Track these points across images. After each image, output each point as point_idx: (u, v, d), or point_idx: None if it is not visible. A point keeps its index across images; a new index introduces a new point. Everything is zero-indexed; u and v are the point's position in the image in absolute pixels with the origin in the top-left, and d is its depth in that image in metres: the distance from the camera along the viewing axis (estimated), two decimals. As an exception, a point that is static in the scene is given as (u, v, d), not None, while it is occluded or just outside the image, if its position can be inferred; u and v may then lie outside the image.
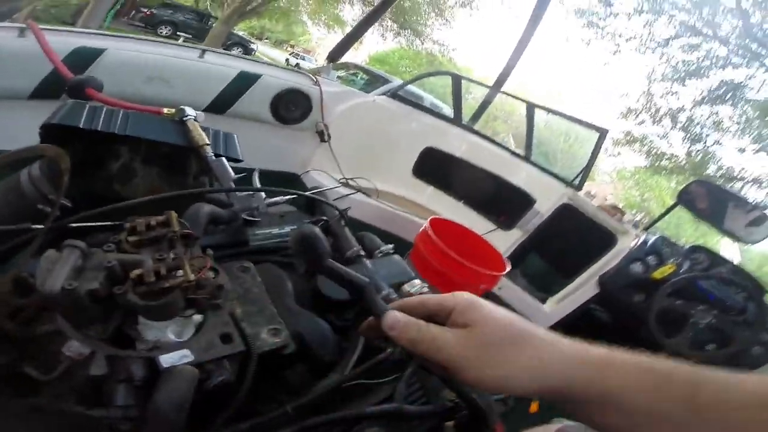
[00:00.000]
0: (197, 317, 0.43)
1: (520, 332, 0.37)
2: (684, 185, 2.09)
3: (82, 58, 1.43)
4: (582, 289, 2.02)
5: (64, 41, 1.40)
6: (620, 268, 1.93)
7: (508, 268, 1.65)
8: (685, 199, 2.03)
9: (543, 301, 2.11)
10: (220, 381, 0.43)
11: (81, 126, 0.59)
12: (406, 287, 0.70)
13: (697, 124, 10.43)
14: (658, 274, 1.88)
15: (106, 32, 1.68)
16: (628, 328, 1.94)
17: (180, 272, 0.37)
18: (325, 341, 0.60)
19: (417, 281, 0.72)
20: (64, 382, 0.42)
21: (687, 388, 0.33)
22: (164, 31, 11.85)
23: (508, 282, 2.09)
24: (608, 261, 2.02)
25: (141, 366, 0.38)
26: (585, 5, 10.84)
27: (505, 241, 2.24)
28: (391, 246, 0.75)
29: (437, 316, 0.40)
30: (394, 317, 0.40)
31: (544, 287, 2.24)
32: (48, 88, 1.37)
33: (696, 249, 1.98)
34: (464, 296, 0.40)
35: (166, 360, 0.39)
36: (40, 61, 1.19)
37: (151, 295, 0.35)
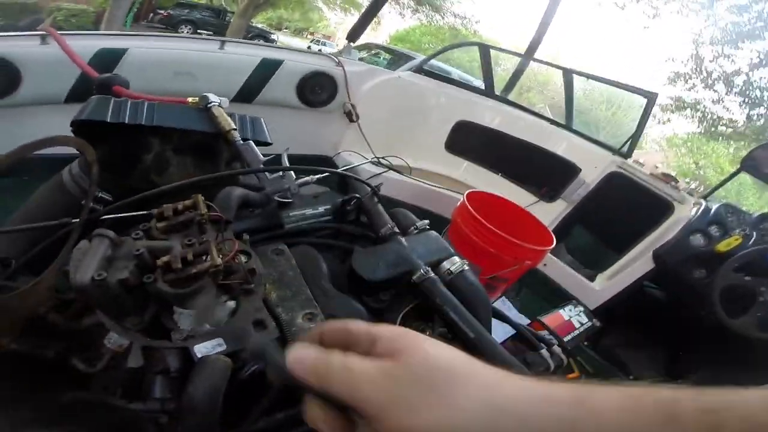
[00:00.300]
0: (231, 303, 0.42)
1: (462, 365, 0.28)
2: (747, 151, 1.90)
3: (107, 59, 1.47)
4: (635, 264, 1.88)
5: (86, 45, 1.45)
6: (678, 240, 1.78)
7: (554, 243, 1.57)
8: (749, 165, 1.84)
9: (592, 278, 2.01)
10: (254, 370, 0.42)
11: (108, 120, 0.60)
12: (446, 264, 0.66)
13: (757, 87, 9.48)
14: (722, 246, 1.70)
15: (125, 32, 1.72)
16: (687, 308, 1.78)
17: (207, 257, 0.36)
18: (361, 325, 0.58)
19: (457, 258, 0.68)
20: (109, 374, 0.43)
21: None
22: (185, 30, 12.13)
23: (553, 258, 2.00)
24: (664, 232, 1.87)
25: (176, 356, 0.38)
26: None
27: (548, 214, 2.13)
28: (426, 222, 0.72)
29: (359, 347, 0.30)
30: (300, 351, 0.29)
31: (592, 263, 2.12)
32: (81, 91, 1.42)
33: (766, 217, 1.79)
34: (395, 327, 0.30)
35: (200, 350, 0.38)
36: (69, 66, 1.24)
37: (180, 282, 0.34)
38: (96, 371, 0.42)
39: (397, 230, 0.67)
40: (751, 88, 9.57)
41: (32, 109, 1.42)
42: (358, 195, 0.70)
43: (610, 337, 1.91)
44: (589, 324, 1.45)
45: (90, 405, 0.40)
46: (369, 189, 0.72)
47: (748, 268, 1.62)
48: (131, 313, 0.36)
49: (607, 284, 1.94)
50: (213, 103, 0.73)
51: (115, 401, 0.39)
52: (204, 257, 0.36)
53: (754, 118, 9.87)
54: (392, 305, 0.63)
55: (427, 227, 0.71)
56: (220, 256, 0.37)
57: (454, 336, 0.59)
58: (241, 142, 0.66)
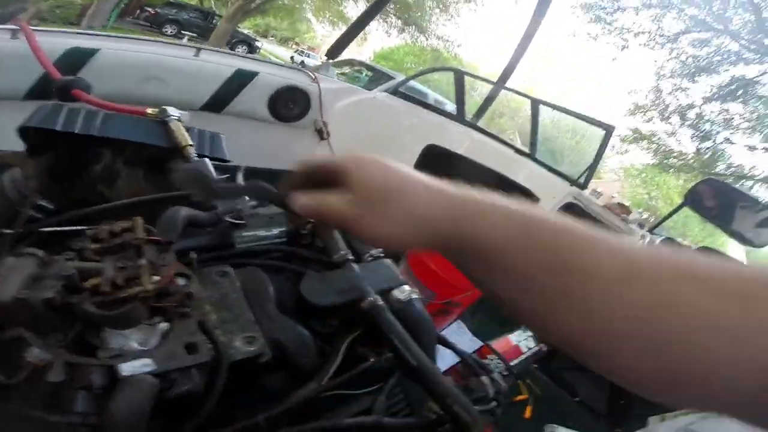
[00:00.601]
0: (164, 325, 0.42)
1: (401, 184, 0.37)
2: (692, 184, 2.03)
3: (75, 59, 1.42)
4: None
5: (57, 42, 1.40)
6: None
7: None
8: (692, 199, 1.97)
9: None
10: (183, 390, 0.42)
11: (58, 129, 0.58)
12: (396, 293, 0.68)
13: (707, 121, 10.26)
14: None
15: (101, 32, 1.68)
16: None
17: (139, 281, 0.36)
18: (304, 348, 0.58)
19: (406, 287, 0.69)
20: (30, 387, 0.41)
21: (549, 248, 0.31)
22: (169, 30, 11.89)
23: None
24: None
25: (101, 374, 0.37)
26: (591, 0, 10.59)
27: None
28: (380, 249, 0.73)
29: (334, 179, 0.40)
30: (294, 198, 0.41)
31: None
32: (41, 89, 1.36)
33: (704, 251, 1.93)
34: (351, 156, 0.40)
35: (126, 368, 0.37)
36: (34, 63, 1.19)
37: (108, 305, 0.34)
38: (15, 383, 0.40)
39: (351, 257, 0.68)
40: (702, 121, 10.32)
41: None
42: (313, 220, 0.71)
43: (559, 360, 1.98)
44: (537, 348, 1.50)
45: (8, 416, 0.39)
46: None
47: None
48: (55, 329, 0.35)
49: None
50: (172, 117, 0.73)
51: (34, 413, 0.38)
52: (135, 281, 0.36)
53: (702, 151, 10.61)
54: (340, 330, 0.64)
55: (382, 254, 0.72)
56: (153, 281, 0.36)
57: (398, 362, 0.60)
58: (197, 158, 0.66)
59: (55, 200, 0.62)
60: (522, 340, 1.50)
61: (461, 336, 1.75)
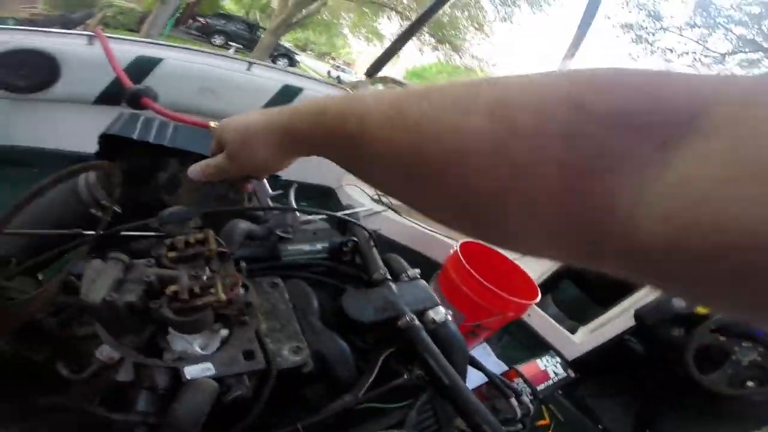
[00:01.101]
0: (224, 331, 0.44)
1: (245, 135, 0.45)
2: None
3: (142, 67, 1.52)
4: (617, 320, 1.90)
5: (127, 50, 1.51)
6: (661, 302, 1.80)
7: (538, 298, 1.59)
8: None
9: (573, 330, 2.02)
10: (237, 395, 0.44)
11: (135, 138, 0.63)
12: (431, 313, 0.69)
13: None
14: (702, 308, 1.74)
15: (164, 42, 1.78)
16: (662, 362, 1.81)
17: (213, 291, 0.38)
18: (344, 362, 0.59)
19: (441, 309, 0.70)
20: (91, 383, 0.44)
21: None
22: (218, 40, 12.47)
23: (537, 309, 2.02)
24: (648, 292, 1.91)
25: (165, 375, 0.39)
26: (633, 19, 10.20)
27: (539, 266, 2.16)
28: (417, 271, 0.74)
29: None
30: (191, 169, 0.50)
31: (577, 315, 2.14)
32: (110, 95, 1.46)
33: None
34: (221, 124, 0.49)
35: (190, 372, 0.40)
36: (105, 69, 1.28)
37: (184, 312, 0.36)
38: (79, 379, 0.43)
39: (389, 276, 0.69)
40: None
41: (61, 106, 1.46)
42: (355, 239, 0.73)
43: (584, 387, 1.91)
44: (564, 375, 1.46)
45: (68, 410, 0.41)
46: (367, 233, 0.75)
47: (723, 329, 1.67)
48: (130, 331, 0.38)
49: (587, 338, 1.95)
50: (232, 132, 0.76)
51: (94, 409, 0.40)
52: (210, 290, 0.38)
53: None
54: (376, 346, 0.65)
55: (418, 276, 0.74)
56: (224, 291, 0.39)
57: (431, 380, 0.61)
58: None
59: (122, 203, 0.66)
60: (550, 366, 1.47)
61: (486, 358, 1.73)
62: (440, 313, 0.69)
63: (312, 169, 2.06)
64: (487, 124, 0.22)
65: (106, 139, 0.66)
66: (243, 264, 0.60)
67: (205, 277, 0.39)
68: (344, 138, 0.33)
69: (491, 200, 0.22)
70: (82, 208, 0.57)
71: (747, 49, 9.20)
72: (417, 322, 0.65)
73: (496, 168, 0.21)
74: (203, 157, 0.70)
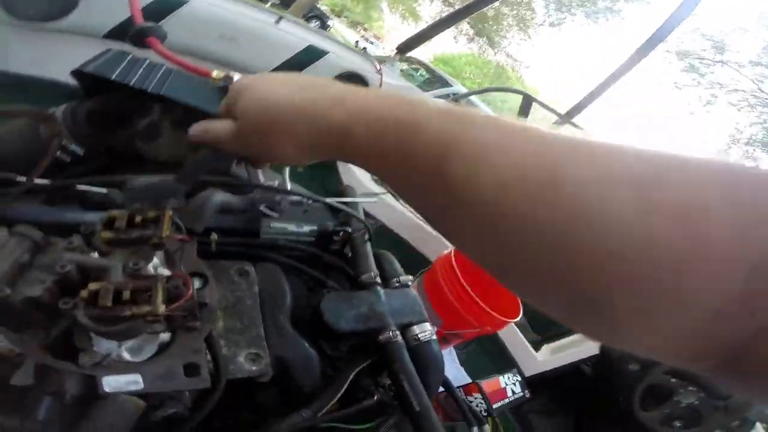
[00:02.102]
0: (165, 335, 0.35)
1: (275, 120, 0.35)
2: None
3: (165, 6, 1.40)
4: (581, 345, 1.87)
5: None
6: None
7: (520, 316, 1.54)
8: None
9: (535, 342, 1.97)
10: (169, 413, 0.35)
11: (112, 78, 0.52)
12: (416, 329, 0.61)
13: None
14: None
15: None
16: (609, 390, 1.81)
17: (149, 296, 0.28)
18: (309, 371, 0.52)
19: (427, 325, 0.62)
20: None
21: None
22: (258, -13, 11.99)
23: (512, 325, 1.97)
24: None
25: (77, 382, 0.30)
26: (693, 47, 9.55)
27: None
28: (410, 278, 0.65)
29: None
30: (194, 127, 0.42)
31: (544, 330, 2.09)
32: (121, 30, 1.34)
33: None
34: (240, 81, 0.40)
35: (109, 383, 0.30)
36: (125, 4, 1.16)
37: (105, 321, 0.27)
38: None
39: (379, 280, 0.60)
40: None
41: (69, 37, 1.34)
42: (350, 229, 0.63)
43: (529, 404, 1.91)
44: (521, 394, 1.45)
45: None
46: (363, 226, 0.65)
47: (677, 372, 1.70)
48: (35, 326, 0.29)
49: (549, 357, 1.93)
50: (234, 86, 0.65)
51: None
52: (145, 295, 0.28)
53: None
54: (349, 357, 0.57)
55: (409, 283, 0.64)
56: (165, 299, 0.29)
57: (401, 402, 0.55)
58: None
59: (87, 145, 0.56)
60: (510, 384, 1.46)
61: (450, 364, 1.68)
62: (426, 331, 0.62)
63: None
64: (677, 231, 0.18)
65: (81, 76, 0.55)
66: (214, 236, 0.51)
67: (145, 275, 0.29)
68: (437, 179, 0.24)
69: (634, 305, 0.20)
70: (37, 146, 0.47)
71: None
72: (400, 338, 0.57)
73: (659, 271, 0.19)
74: (190, 108, 0.60)
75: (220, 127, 0.39)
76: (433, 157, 0.24)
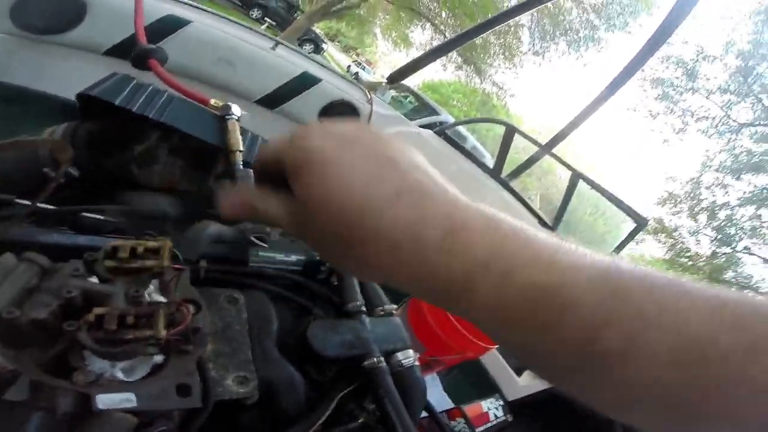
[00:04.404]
0: (158, 357, 0.36)
1: (365, 230, 0.24)
2: None
3: (168, 26, 1.44)
4: None
5: (159, 6, 1.43)
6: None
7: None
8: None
9: (520, 371, 1.99)
10: (160, 431, 0.36)
11: (116, 103, 0.55)
12: (399, 356, 0.63)
13: (734, 225, 9.40)
14: None
15: (200, 6, 1.69)
16: (590, 412, 1.82)
17: (151, 321, 0.30)
18: (294, 394, 0.53)
19: (410, 352, 0.64)
20: None
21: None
22: (255, 14, 12.25)
23: (494, 350, 1.99)
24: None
25: (71, 399, 0.31)
26: (667, 75, 9.85)
27: None
28: (394, 306, 0.67)
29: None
30: (230, 197, 0.29)
31: None
32: (123, 48, 1.37)
33: None
34: (299, 146, 0.26)
35: (103, 401, 0.32)
36: (125, 22, 1.19)
37: (108, 343, 0.28)
38: None
39: (364, 309, 0.62)
40: (728, 224, 9.48)
41: (70, 52, 1.37)
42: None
43: (511, 428, 1.91)
44: (503, 418, 1.45)
45: None
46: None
47: None
48: (35, 346, 0.30)
49: (531, 382, 1.93)
50: (232, 117, 0.69)
51: None
52: (147, 319, 0.30)
53: (718, 255, 9.83)
54: (334, 382, 0.58)
55: (393, 312, 0.67)
56: (166, 324, 0.31)
57: (385, 425, 0.56)
58: (241, 167, 0.62)
59: (84, 166, 0.58)
60: (492, 408, 1.47)
61: (433, 389, 1.68)
62: (409, 357, 0.64)
63: None
64: None
65: (85, 99, 0.57)
66: (203, 263, 0.52)
67: (146, 302, 0.31)
68: (584, 353, 0.21)
69: None
70: (35, 165, 0.48)
71: (766, 122, 8.93)
72: (383, 364, 0.59)
73: None
74: (188, 136, 0.63)
75: (272, 204, 0.28)
76: (583, 336, 0.21)
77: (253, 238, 0.57)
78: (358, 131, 0.28)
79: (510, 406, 1.51)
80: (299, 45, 11.22)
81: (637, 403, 0.22)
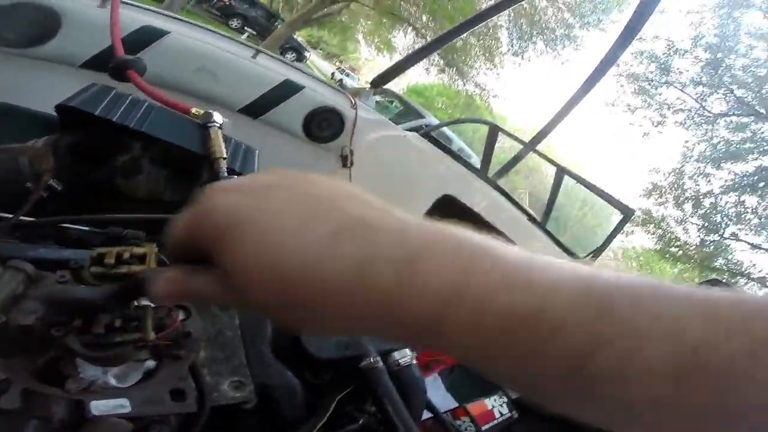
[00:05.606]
0: (151, 362, 0.36)
1: (305, 288, 0.21)
2: (688, 274, 1.96)
3: (145, 37, 1.43)
4: None
5: (135, 17, 1.41)
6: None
7: None
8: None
9: None
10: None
11: (96, 114, 0.55)
12: (396, 355, 0.63)
13: (719, 212, 9.61)
14: None
15: (178, 16, 1.69)
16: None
17: (140, 325, 0.30)
18: (291, 398, 0.53)
19: (407, 351, 0.64)
20: None
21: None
22: (234, 23, 12.24)
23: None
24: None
25: (65, 407, 0.31)
26: (641, 69, 10.15)
27: None
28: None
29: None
30: (157, 287, 0.26)
31: None
32: (99, 61, 1.36)
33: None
34: (208, 214, 0.23)
35: (98, 407, 0.32)
36: (102, 34, 1.18)
37: (97, 347, 0.29)
38: None
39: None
40: (714, 212, 9.67)
41: (44, 65, 1.35)
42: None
43: (518, 425, 1.91)
44: (509, 415, 1.45)
45: None
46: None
47: None
48: (24, 353, 0.30)
49: None
50: (214, 124, 0.69)
51: None
52: (135, 323, 0.30)
53: (707, 243, 9.96)
54: (331, 385, 0.59)
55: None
56: (154, 327, 0.31)
57: (386, 425, 0.56)
58: (225, 174, 0.62)
59: (66, 179, 0.57)
60: (497, 406, 1.46)
61: (435, 390, 1.67)
62: (406, 356, 0.64)
63: (285, 166, 1.97)
64: None
65: (64, 110, 0.57)
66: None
67: (133, 306, 0.31)
68: (573, 377, 0.20)
69: None
70: (17, 178, 0.48)
71: (740, 112, 9.21)
72: (380, 364, 0.59)
73: None
74: (171, 145, 0.63)
75: (204, 286, 0.24)
76: (570, 364, 0.20)
77: None
78: (273, 176, 0.24)
79: (515, 403, 1.51)
80: (281, 53, 11.25)
81: (637, 420, 0.21)
